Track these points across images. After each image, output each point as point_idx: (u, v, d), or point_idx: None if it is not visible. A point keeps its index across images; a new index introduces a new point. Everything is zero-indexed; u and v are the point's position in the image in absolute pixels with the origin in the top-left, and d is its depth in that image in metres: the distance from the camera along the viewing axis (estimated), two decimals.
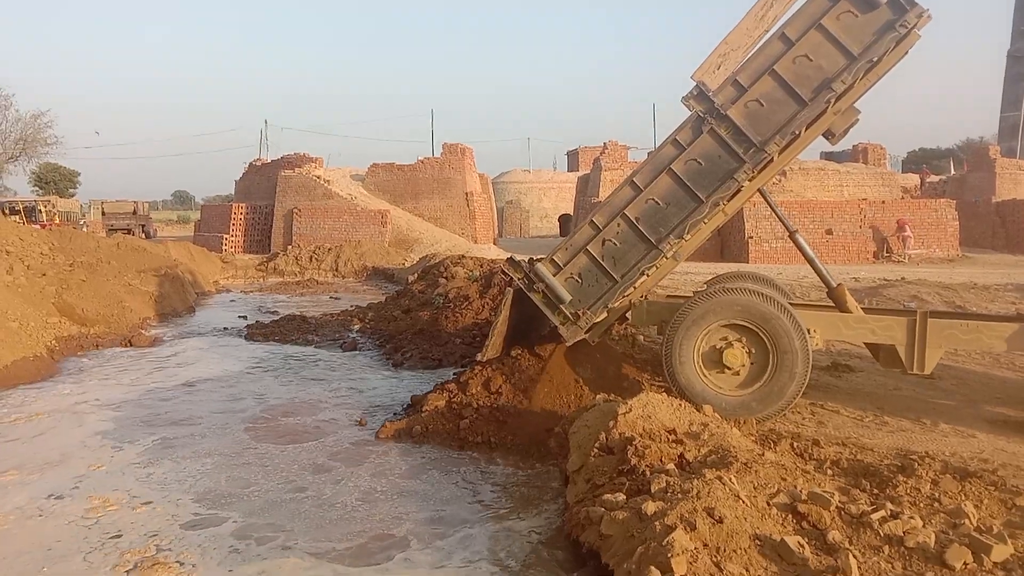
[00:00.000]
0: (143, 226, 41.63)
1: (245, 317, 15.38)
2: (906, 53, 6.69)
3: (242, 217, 33.78)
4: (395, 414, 7.81)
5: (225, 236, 32.97)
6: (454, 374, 8.56)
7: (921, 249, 26.99)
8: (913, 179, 40.24)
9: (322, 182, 32.03)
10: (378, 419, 7.62)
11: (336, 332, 12.94)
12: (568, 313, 7.02)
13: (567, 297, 6.99)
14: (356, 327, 13.36)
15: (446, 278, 15.46)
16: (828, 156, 37.48)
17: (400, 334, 11.95)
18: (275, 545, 4.88)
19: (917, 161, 62.58)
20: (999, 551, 3.54)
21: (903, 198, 32.68)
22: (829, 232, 26.75)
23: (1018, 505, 4.50)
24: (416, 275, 18.26)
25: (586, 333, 7.20)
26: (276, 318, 14.43)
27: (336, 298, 19.58)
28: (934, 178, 40.78)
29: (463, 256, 18.76)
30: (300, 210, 31.06)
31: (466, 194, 32.53)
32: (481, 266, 16.35)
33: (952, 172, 44.00)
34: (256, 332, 13.01)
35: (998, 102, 65.52)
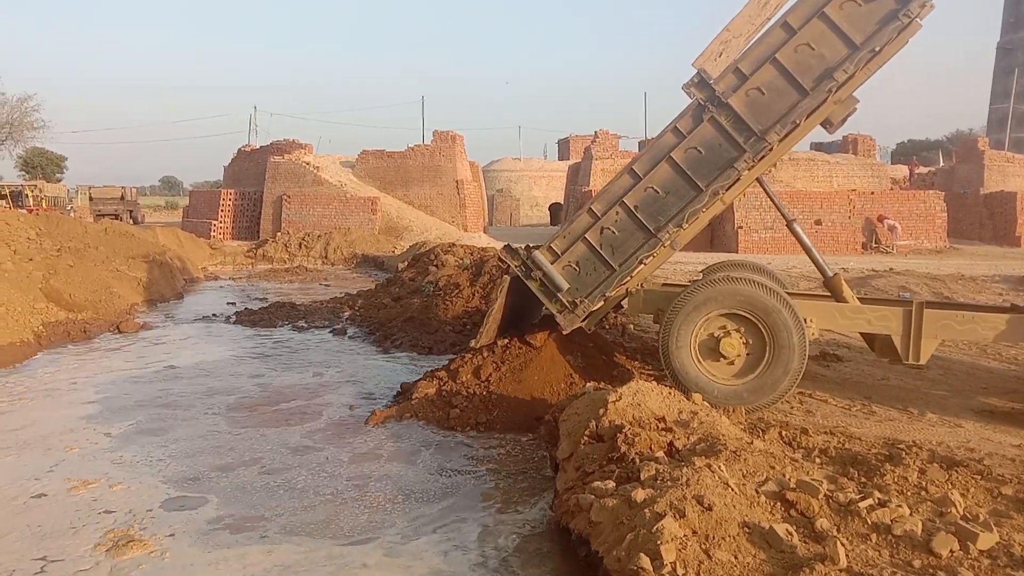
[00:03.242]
0: (131, 212, 41.24)
1: (234, 303, 15.32)
2: (907, 42, 6.67)
3: (231, 203, 33.58)
4: (385, 401, 7.80)
5: (213, 222, 32.78)
6: (447, 361, 8.55)
7: (909, 240, 27.12)
8: (902, 170, 40.46)
9: (311, 168, 31.86)
10: (367, 406, 7.61)
11: (326, 319, 12.90)
12: (566, 301, 7.01)
13: (565, 285, 6.98)
14: (346, 314, 13.32)
15: (436, 266, 15.42)
16: (818, 147, 37.59)
17: (390, 322, 11.93)
18: (251, 530, 4.86)
19: (906, 152, 62.85)
20: (985, 539, 3.58)
21: (892, 189, 32.82)
22: (818, 222, 26.82)
23: (1004, 494, 4.54)
24: (406, 263, 18.20)
25: (583, 321, 7.20)
26: (265, 305, 14.38)
27: (326, 285, 19.52)
28: (923, 169, 41.00)
29: (453, 244, 18.71)
30: (289, 196, 30.89)
31: (456, 182, 32.42)
32: (471, 254, 16.32)
33: (941, 164, 44.28)
34: (245, 318, 12.96)
35: (988, 94, 65.92)
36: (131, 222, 34.68)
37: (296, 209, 30.66)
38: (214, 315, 13.72)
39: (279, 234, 28.89)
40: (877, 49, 6.39)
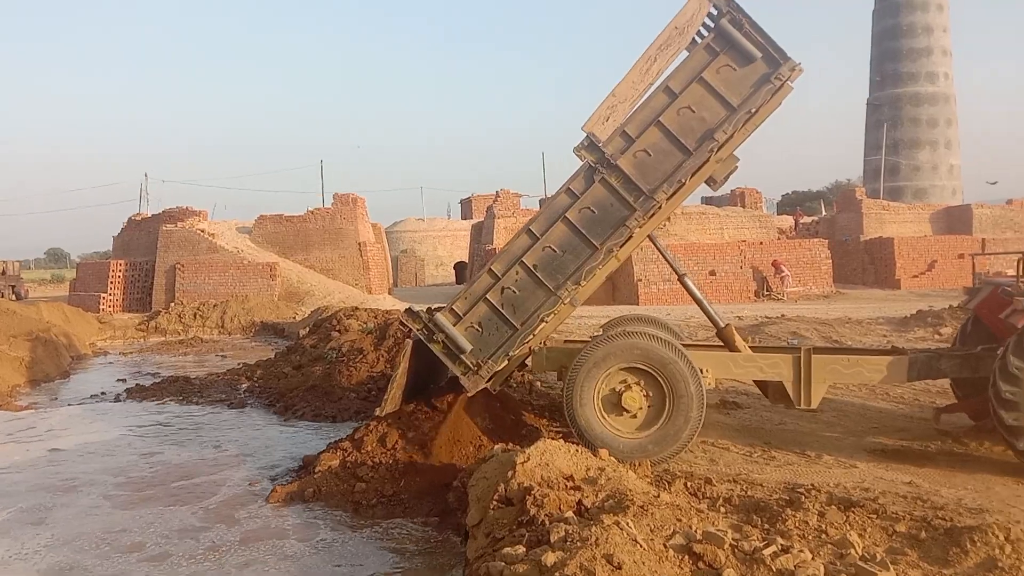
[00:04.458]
0: (13, 287, 39.12)
1: (124, 380, 14.58)
2: (780, 103, 7.06)
3: (121, 274, 32.25)
4: (287, 476, 7.50)
5: (103, 295, 31.36)
6: (352, 431, 8.33)
7: (798, 287, 28.38)
8: (788, 220, 42.57)
9: (206, 236, 31.02)
10: (267, 482, 7.31)
11: (223, 392, 12.41)
12: (469, 363, 6.97)
13: (468, 347, 6.95)
14: (244, 386, 12.86)
15: (339, 331, 15.14)
16: (708, 201, 39.16)
17: (291, 391, 11.58)
18: None
19: (791, 203, 66.24)
20: None
21: (779, 239, 34.39)
22: (712, 273, 27.80)
23: (898, 531, 4.71)
24: (307, 329, 17.81)
25: (487, 382, 7.16)
26: (158, 380, 13.75)
27: (223, 356, 18.85)
28: (807, 219, 43.27)
29: (356, 308, 18.44)
30: (183, 265, 29.92)
31: (359, 244, 32.15)
32: (375, 317, 16.11)
33: (823, 213, 46.81)
34: (136, 395, 12.35)
35: (862, 146, 70.44)
36: (13, 298, 32.88)
37: (190, 278, 29.69)
38: (103, 393, 13.01)
39: (172, 304, 27.86)
40: (753, 110, 6.74)
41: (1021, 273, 7.08)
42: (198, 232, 31.17)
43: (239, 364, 15.35)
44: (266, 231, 32.88)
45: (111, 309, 30.89)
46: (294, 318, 24.87)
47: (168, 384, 13.04)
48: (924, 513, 5.00)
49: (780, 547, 3.97)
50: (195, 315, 25.72)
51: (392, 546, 5.70)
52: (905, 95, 67.10)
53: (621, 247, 7.13)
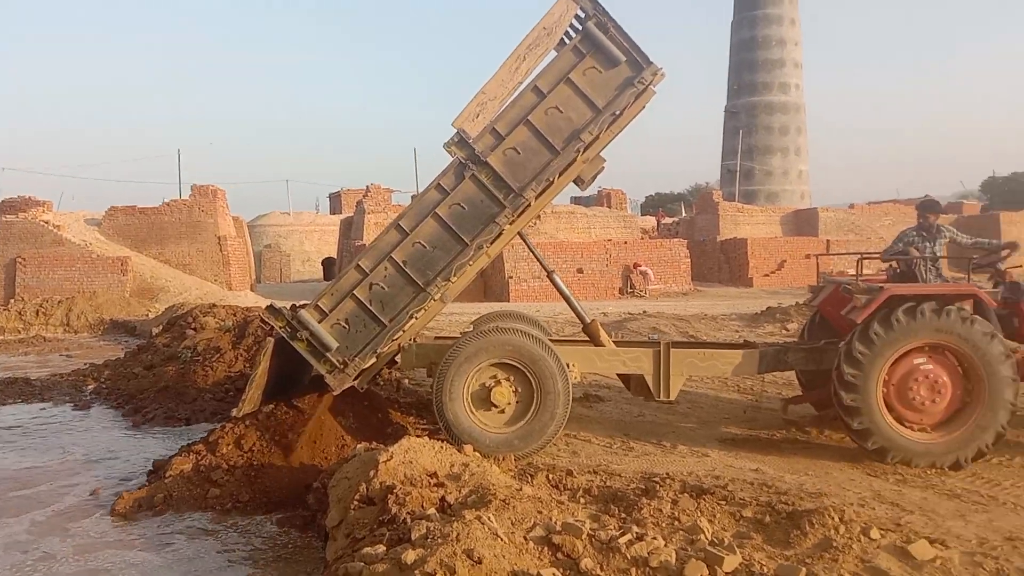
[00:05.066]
0: None
1: None
2: (644, 107, 7.27)
3: None
4: (136, 482, 7.09)
5: None
6: (207, 433, 7.96)
7: (660, 284, 29.50)
8: (651, 221, 44.31)
9: (51, 228, 28.97)
10: (114, 489, 6.88)
11: (67, 394, 11.59)
12: (335, 361, 6.81)
13: (334, 344, 6.79)
14: (90, 387, 12.07)
15: (195, 329, 14.47)
16: (577, 200, 40.15)
17: (142, 393, 10.95)
18: None
19: (654, 204, 68.83)
20: (730, 561, 3.86)
21: (643, 238, 35.65)
22: (580, 271, 28.46)
23: (745, 516, 4.95)
24: (161, 327, 16.92)
25: (355, 380, 7.02)
26: None
27: (68, 356, 17.64)
28: (668, 220, 45.14)
29: (214, 305, 17.67)
30: (25, 259, 27.83)
31: (218, 238, 30.86)
32: (235, 315, 15.51)
33: (683, 214, 48.87)
34: None
35: (720, 152, 74.04)
36: None
37: (33, 272, 27.66)
38: None
39: (12, 301, 25.85)
40: (618, 112, 6.92)
41: (860, 272, 7.60)
42: (42, 223, 29.07)
43: (86, 364, 14.41)
44: (117, 223, 31.06)
45: None
46: (147, 315, 23.59)
47: (5, 386, 12.04)
48: (769, 498, 5.28)
49: (635, 535, 4.09)
50: (38, 312, 23.94)
51: (249, 552, 5.48)
52: (760, 104, 71.04)
53: (491, 244, 7.16)
